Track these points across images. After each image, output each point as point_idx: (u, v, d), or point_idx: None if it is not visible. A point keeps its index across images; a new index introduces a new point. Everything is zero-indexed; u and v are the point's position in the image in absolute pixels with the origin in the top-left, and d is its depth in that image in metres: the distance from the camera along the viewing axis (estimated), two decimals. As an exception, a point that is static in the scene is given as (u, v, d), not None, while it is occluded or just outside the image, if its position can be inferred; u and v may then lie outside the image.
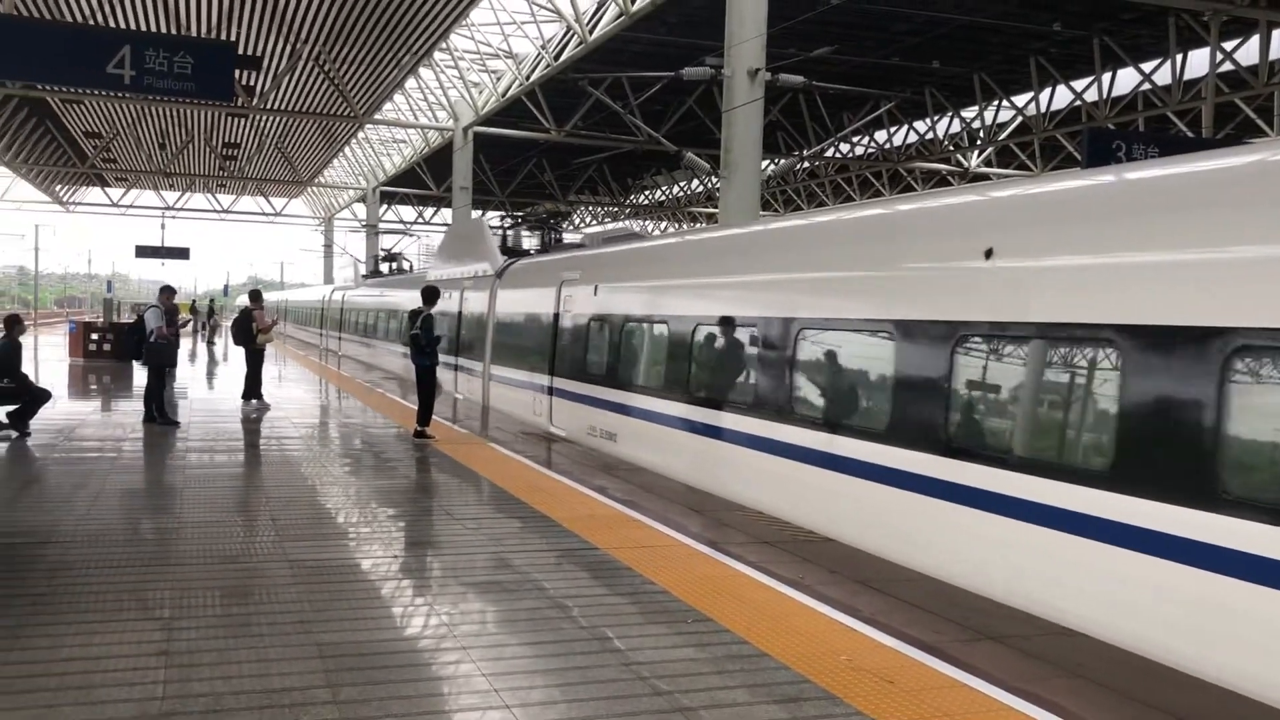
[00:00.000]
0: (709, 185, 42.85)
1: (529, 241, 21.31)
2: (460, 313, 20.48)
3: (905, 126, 32.69)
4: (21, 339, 13.31)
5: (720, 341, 10.39)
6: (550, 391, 14.67)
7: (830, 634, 5.51)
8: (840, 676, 4.88)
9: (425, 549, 7.70)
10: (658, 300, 12.04)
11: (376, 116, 33.00)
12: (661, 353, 11.45)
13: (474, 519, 8.52)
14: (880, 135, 34.17)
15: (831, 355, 8.54)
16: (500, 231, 21.67)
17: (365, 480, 10.38)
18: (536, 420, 15.07)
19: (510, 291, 17.66)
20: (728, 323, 10.21)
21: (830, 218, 10.84)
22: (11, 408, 12.62)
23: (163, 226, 56.56)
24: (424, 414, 13.30)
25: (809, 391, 8.87)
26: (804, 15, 17.75)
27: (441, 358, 19.82)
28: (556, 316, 14.71)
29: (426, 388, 13.44)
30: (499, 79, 28.91)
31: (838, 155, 35.51)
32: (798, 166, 38.80)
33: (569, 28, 23.14)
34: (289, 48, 24.99)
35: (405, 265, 37.31)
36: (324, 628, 5.44)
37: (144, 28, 22.88)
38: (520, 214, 22.95)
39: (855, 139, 34.45)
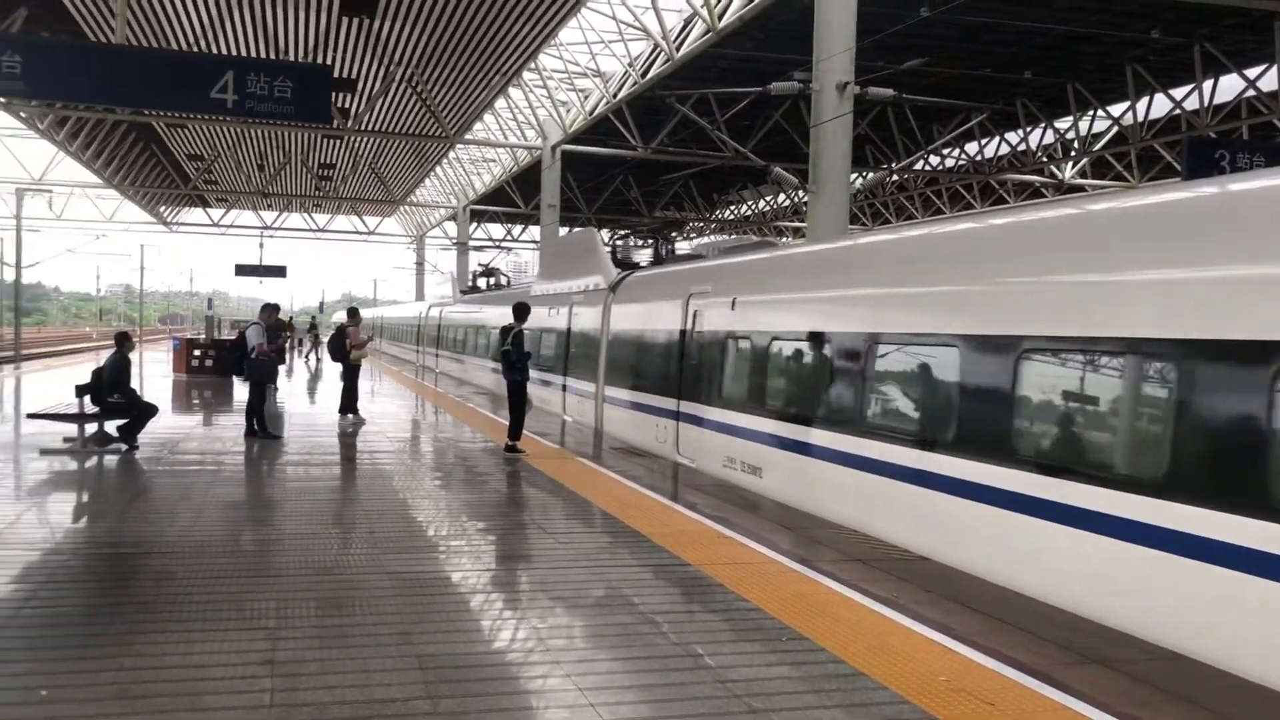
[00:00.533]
0: (795, 199, 42.61)
1: (638, 254, 21.05)
2: (569, 329, 19.21)
3: (997, 138, 32.13)
4: (130, 355, 13.81)
5: (928, 365, 8.43)
6: (677, 416, 13.41)
7: (928, 654, 5.41)
8: (940, 698, 4.79)
9: (517, 562, 7.78)
10: (834, 314, 10.07)
11: (467, 136, 33.50)
12: (841, 377, 9.57)
13: (564, 533, 8.58)
14: (971, 147, 33.67)
15: (1098, 385, 6.76)
16: (610, 243, 21.09)
17: (457, 494, 10.53)
18: (659, 448, 13.86)
19: (627, 306, 16.38)
20: (934, 341, 8.26)
21: (1072, 211, 7.88)
22: (121, 421, 13.08)
23: (261, 245, 58.11)
24: (515, 429, 13.44)
25: (1069, 435, 6.92)
26: (893, 28, 17.56)
27: (548, 378, 19.87)
28: (684, 334, 13.44)
29: (517, 403, 13.58)
30: (586, 97, 29.18)
31: (927, 168, 35.07)
32: (887, 180, 38.42)
33: (656, 45, 23.26)
34: (383, 70, 25.59)
35: (503, 280, 37.38)
36: (422, 639, 5.52)
37: (246, 53, 23.65)
38: (634, 226, 22.69)
39: (945, 151, 33.97)
